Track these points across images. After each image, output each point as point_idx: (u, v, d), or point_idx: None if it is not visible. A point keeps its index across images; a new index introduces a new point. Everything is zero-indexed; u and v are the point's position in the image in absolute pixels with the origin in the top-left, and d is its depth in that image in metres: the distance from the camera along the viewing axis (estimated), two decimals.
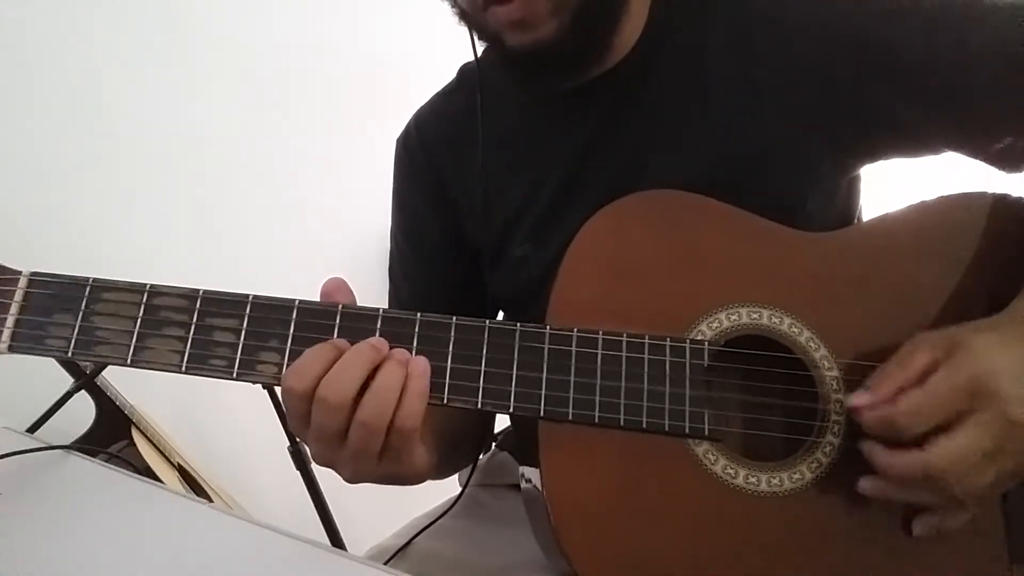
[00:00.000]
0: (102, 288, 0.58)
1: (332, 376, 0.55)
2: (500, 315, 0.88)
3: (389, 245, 0.91)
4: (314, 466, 1.46)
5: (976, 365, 0.54)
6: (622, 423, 0.59)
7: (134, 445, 1.48)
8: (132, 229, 1.68)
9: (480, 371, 0.58)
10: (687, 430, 0.60)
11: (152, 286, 0.58)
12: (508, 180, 0.79)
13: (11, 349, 0.57)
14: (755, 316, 0.63)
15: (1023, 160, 0.68)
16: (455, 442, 0.79)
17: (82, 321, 0.57)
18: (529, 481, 0.82)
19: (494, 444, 1.03)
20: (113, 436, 1.47)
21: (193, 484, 1.64)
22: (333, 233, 1.91)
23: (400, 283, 0.90)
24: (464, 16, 0.72)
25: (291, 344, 0.57)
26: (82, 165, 1.65)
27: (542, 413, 0.59)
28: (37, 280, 0.58)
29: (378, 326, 0.58)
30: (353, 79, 2.03)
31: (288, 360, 0.57)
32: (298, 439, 1.43)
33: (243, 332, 0.58)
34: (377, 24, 2.11)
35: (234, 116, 1.88)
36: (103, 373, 1.35)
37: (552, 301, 0.63)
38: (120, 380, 1.46)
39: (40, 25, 1.59)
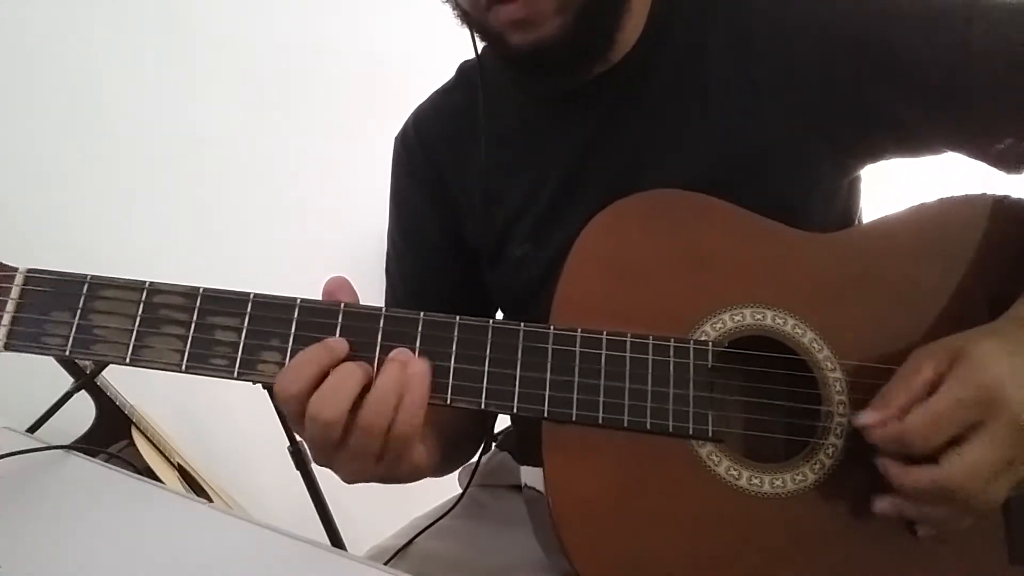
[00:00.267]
0: (100, 286, 0.57)
1: (325, 391, 0.54)
2: (499, 315, 0.88)
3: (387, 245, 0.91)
4: (314, 466, 1.46)
5: (981, 375, 0.54)
6: (626, 424, 0.59)
7: (134, 445, 1.48)
8: (132, 229, 1.68)
9: (483, 371, 0.58)
10: (691, 431, 0.60)
11: (151, 284, 0.57)
12: (508, 179, 0.79)
13: (7, 347, 0.56)
14: (759, 317, 0.63)
15: (1022, 161, 0.68)
16: (455, 440, 0.79)
17: (80, 319, 0.56)
18: (530, 487, 0.82)
19: (494, 444, 1.03)
20: (113, 436, 1.47)
21: (193, 484, 1.64)
22: (333, 233, 1.91)
23: (396, 282, 0.89)
24: (466, 17, 0.71)
25: (292, 343, 0.57)
26: (82, 165, 1.65)
27: (546, 414, 0.59)
28: (34, 277, 0.57)
29: (380, 325, 0.58)
30: (353, 79, 2.03)
31: (290, 359, 0.57)
32: (298, 438, 1.44)
33: (244, 331, 0.57)
34: (377, 24, 2.11)
35: (234, 116, 1.88)
36: (103, 373, 1.35)
37: (555, 301, 0.63)
38: (120, 380, 1.46)
39: (40, 25, 1.59)
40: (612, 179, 0.74)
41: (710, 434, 0.60)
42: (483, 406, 0.58)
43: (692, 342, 0.61)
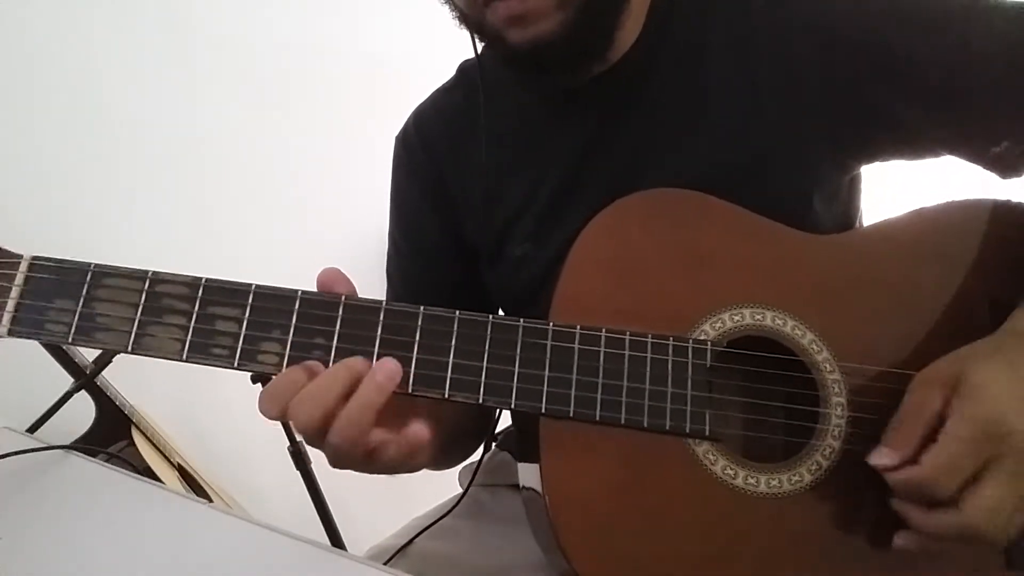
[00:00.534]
0: (104, 274, 0.57)
1: (300, 398, 0.54)
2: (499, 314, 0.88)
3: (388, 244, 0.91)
4: (314, 466, 1.46)
5: (986, 408, 0.53)
6: (623, 421, 0.59)
7: (134, 445, 1.48)
8: (131, 229, 1.68)
9: (482, 367, 0.58)
10: (688, 430, 0.60)
11: (154, 273, 0.57)
12: (508, 179, 0.79)
13: (11, 333, 0.56)
14: (758, 317, 0.63)
15: (1020, 165, 0.68)
16: (454, 435, 0.79)
17: (83, 307, 0.56)
18: (528, 487, 0.82)
19: (494, 444, 1.03)
20: (113, 436, 1.47)
21: (193, 484, 1.64)
22: (333, 233, 1.91)
23: (396, 282, 0.89)
24: (463, 18, 0.71)
25: (293, 335, 0.57)
26: (82, 165, 1.65)
27: (543, 410, 0.59)
28: (38, 264, 0.57)
29: (380, 319, 0.58)
30: (353, 79, 2.03)
31: (290, 351, 0.57)
32: (298, 438, 1.44)
33: (245, 322, 0.57)
34: (377, 24, 2.11)
35: (234, 116, 1.88)
36: (103, 373, 1.35)
37: (555, 298, 0.63)
38: (120, 380, 1.46)
39: (40, 25, 1.59)
40: (612, 179, 0.74)
41: (707, 433, 0.60)
42: (481, 401, 0.58)
43: (691, 341, 0.61)
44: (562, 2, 0.65)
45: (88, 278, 0.57)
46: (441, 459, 0.84)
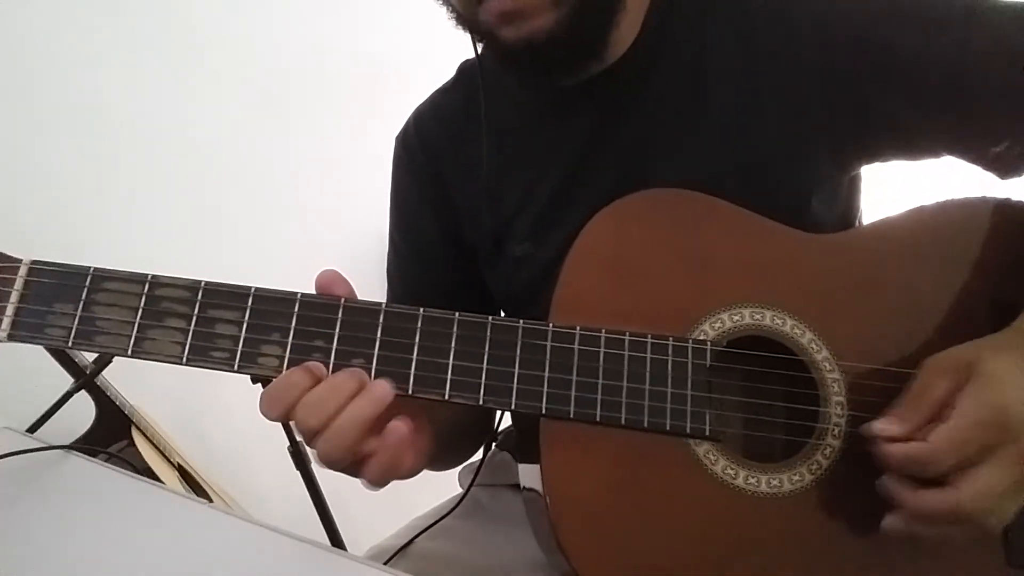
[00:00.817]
0: (103, 278, 0.57)
1: (305, 403, 0.55)
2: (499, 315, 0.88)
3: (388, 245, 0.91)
4: (314, 466, 1.46)
5: (998, 396, 0.53)
6: (623, 422, 0.59)
7: (134, 445, 1.48)
8: (131, 229, 1.68)
9: (482, 368, 0.58)
10: (688, 430, 0.60)
11: (154, 277, 0.58)
12: (508, 179, 0.79)
13: (11, 338, 0.56)
14: (758, 317, 0.63)
15: (1019, 165, 0.68)
16: (454, 436, 0.79)
17: (83, 311, 0.57)
18: (529, 488, 0.82)
19: (495, 444, 1.03)
20: (113, 436, 1.46)
21: (193, 484, 1.64)
22: (333, 233, 1.91)
23: (395, 283, 0.89)
24: (459, 18, 0.71)
25: (293, 338, 0.57)
26: (81, 165, 1.65)
27: (544, 411, 0.59)
28: (38, 269, 0.57)
29: (380, 321, 0.58)
30: (353, 79, 2.03)
31: (290, 353, 0.57)
32: (298, 438, 1.44)
33: (245, 325, 0.57)
34: (377, 24, 2.11)
35: (234, 117, 1.88)
36: (103, 373, 1.35)
37: (555, 299, 0.63)
38: (120, 380, 1.46)
39: (40, 26, 1.59)
40: (612, 179, 0.74)
41: (707, 433, 0.60)
42: (481, 402, 0.58)
43: (691, 341, 0.61)
44: (556, 1, 0.65)
45: (88, 282, 0.57)
46: (439, 460, 0.84)
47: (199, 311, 0.57)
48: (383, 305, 0.59)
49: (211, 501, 1.55)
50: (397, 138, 0.88)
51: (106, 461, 0.83)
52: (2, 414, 1.05)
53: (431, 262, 0.87)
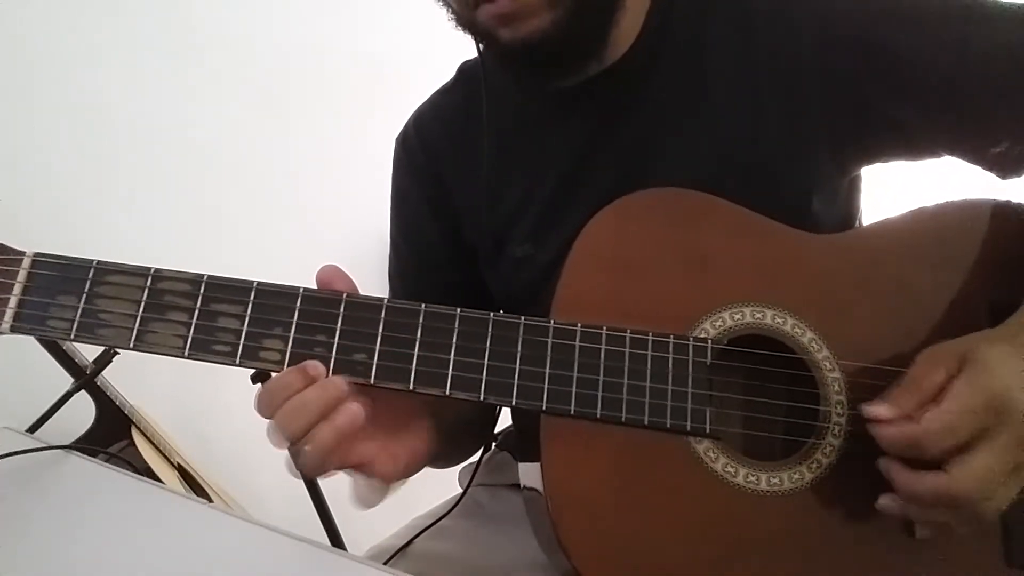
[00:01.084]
0: (106, 271, 0.58)
1: (283, 411, 0.56)
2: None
3: (388, 246, 0.91)
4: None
5: (992, 381, 0.54)
6: (624, 419, 0.59)
7: (134, 445, 1.47)
8: (131, 230, 1.68)
9: (483, 364, 0.58)
10: (688, 428, 0.60)
11: (156, 270, 0.58)
12: (508, 179, 0.79)
13: (13, 330, 0.57)
14: (758, 316, 0.63)
15: (1019, 165, 0.68)
16: (457, 433, 0.79)
17: (85, 303, 0.57)
18: (529, 486, 0.82)
19: (494, 444, 1.03)
20: (113, 436, 1.46)
21: (193, 484, 1.64)
22: (333, 233, 1.91)
23: (396, 284, 0.89)
24: (458, 19, 0.71)
25: (295, 332, 0.57)
26: (81, 166, 1.65)
27: (544, 408, 0.59)
28: (41, 261, 0.58)
29: (382, 316, 0.58)
30: (353, 79, 2.03)
31: (292, 348, 0.57)
32: None
33: (247, 319, 0.57)
34: (377, 24, 2.11)
35: (235, 116, 1.88)
36: (103, 373, 1.35)
37: (556, 296, 0.63)
38: (120, 380, 1.46)
39: (41, 25, 1.59)
40: (612, 179, 0.74)
41: (708, 431, 0.60)
42: (482, 398, 0.58)
43: (691, 339, 0.61)
44: (552, 1, 0.65)
45: (91, 275, 0.58)
46: (442, 457, 0.84)
47: (201, 304, 0.57)
48: (385, 300, 0.59)
49: (211, 501, 1.55)
50: (397, 139, 0.88)
51: (106, 461, 0.83)
52: (2, 414, 1.05)
53: (431, 263, 0.87)
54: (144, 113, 1.73)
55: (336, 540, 1.46)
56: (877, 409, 0.56)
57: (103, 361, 1.33)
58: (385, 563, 0.80)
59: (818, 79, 0.70)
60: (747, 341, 0.62)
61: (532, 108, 0.80)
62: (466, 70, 0.86)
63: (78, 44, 1.64)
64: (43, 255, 0.58)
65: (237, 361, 0.57)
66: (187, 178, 1.81)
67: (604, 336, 0.60)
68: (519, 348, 0.59)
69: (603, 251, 0.64)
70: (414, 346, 0.58)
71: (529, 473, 0.84)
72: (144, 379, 1.53)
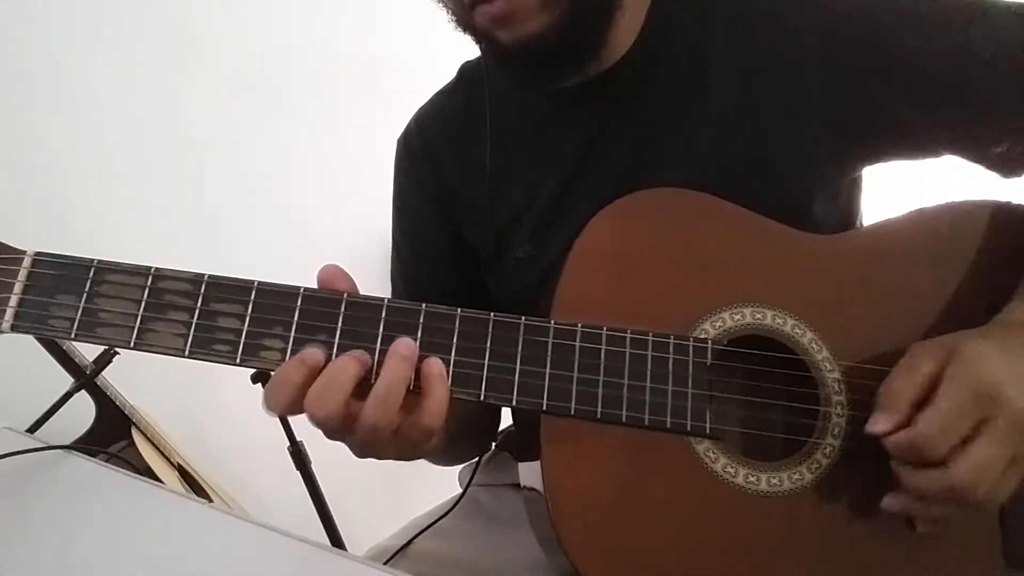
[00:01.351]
0: (107, 270, 0.58)
1: (314, 393, 0.55)
2: None
3: (390, 246, 0.91)
4: (314, 466, 1.46)
5: (978, 372, 0.54)
6: (624, 419, 0.59)
7: (134, 445, 1.47)
8: (131, 230, 1.68)
9: (483, 364, 0.58)
10: (688, 428, 0.60)
11: (157, 269, 0.58)
12: (509, 180, 0.79)
13: (14, 329, 0.57)
14: (758, 316, 0.63)
15: (1021, 164, 0.68)
16: (459, 434, 0.79)
17: (86, 303, 0.57)
18: (529, 486, 0.82)
19: (494, 444, 1.03)
20: (113, 436, 1.46)
21: (193, 484, 1.64)
22: (333, 233, 1.91)
23: (398, 285, 0.89)
24: (457, 20, 0.71)
25: (295, 331, 0.57)
26: (81, 166, 1.65)
27: (544, 407, 0.59)
28: (42, 260, 0.58)
29: (383, 316, 0.58)
30: (353, 79, 2.03)
31: (292, 347, 0.57)
32: (298, 438, 1.44)
33: (248, 318, 0.57)
34: (377, 24, 2.11)
35: (234, 116, 1.88)
36: (103, 373, 1.35)
37: (556, 296, 0.63)
38: (120, 380, 1.46)
39: (42, 25, 1.59)
40: (613, 180, 0.74)
41: (707, 431, 0.60)
42: (482, 398, 0.58)
43: (691, 340, 0.61)
44: (547, 3, 0.65)
45: (91, 274, 0.58)
46: (443, 453, 0.84)
47: (202, 304, 0.57)
48: (385, 300, 0.59)
49: (211, 501, 1.55)
50: (399, 140, 0.88)
51: (106, 461, 0.83)
52: (2, 414, 1.06)
53: (433, 263, 0.87)
54: (144, 113, 1.73)
55: (336, 540, 1.47)
56: (877, 424, 0.56)
57: (103, 361, 1.33)
58: (385, 563, 0.80)
59: (819, 79, 0.70)
60: (747, 341, 0.62)
61: (533, 108, 0.80)
62: (467, 70, 0.86)
63: (78, 44, 1.64)
64: (44, 254, 0.58)
65: (238, 360, 0.57)
66: (187, 178, 1.81)
67: (604, 336, 0.60)
68: (519, 348, 0.59)
69: (603, 251, 0.64)
70: (416, 349, 0.58)
71: (529, 473, 0.84)
72: (144, 379, 1.53)
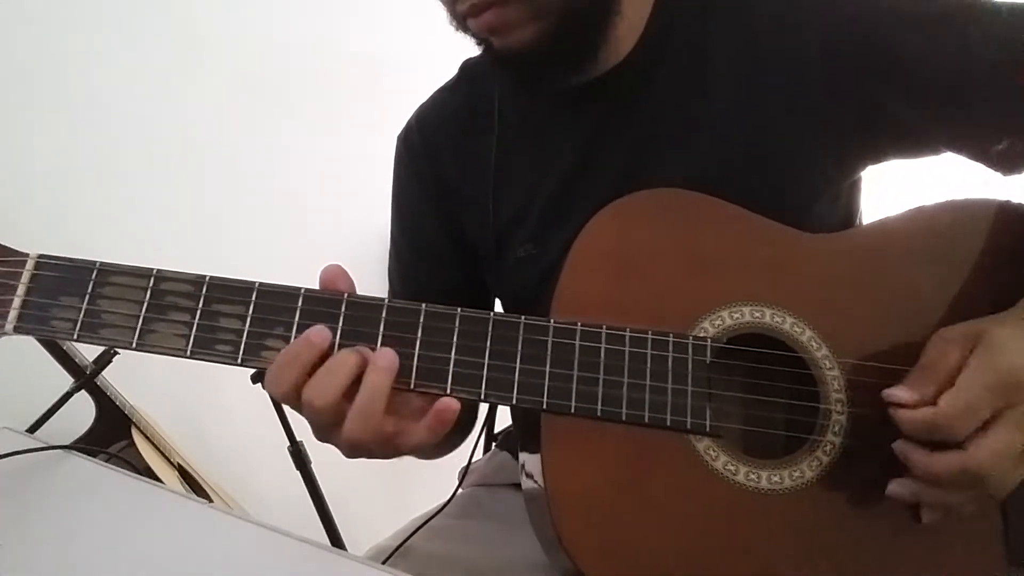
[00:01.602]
0: (109, 272, 0.58)
1: (316, 381, 0.56)
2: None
3: (388, 245, 0.91)
4: (314, 466, 1.46)
5: (1005, 359, 0.55)
6: (624, 417, 0.59)
7: (134, 445, 1.47)
8: (131, 231, 1.68)
9: (484, 363, 0.59)
10: (688, 425, 0.60)
11: (159, 271, 0.58)
12: (510, 179, 0.79)
13: (17, 330, 0.57)
14: (758, 315, 0.63)
15: (1021, 162, 0.68)
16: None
17: (88, 304, 0.57)
18: (530, 476, 0.82)
19: (494, 444, 1.03)
20: (113, 436, 1.46)
21: (193, 484, 1.64)
22: (333, 233, 1.92)
23: (396, 284, 0.89)
24: (456, 22, 0.72)
25: (296, 332, 0.58)
26: (82, 166, 1.65)
27: (545, 406, 0.59)
28: (45, 262, 0.58)
29: (383, 316, 0.59)
30: (353, 79, 2.03)
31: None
32: (298, 438, 1.44)
33: (249, 319, 0.58)
34: (377, 24, 2.11)
35: (235, 116, 1.88)
36: (103, 373, 1.35)
37: (556, 295, 0.63)
38: (120, 380, 1.46)
39: (43, 25, 1.59)
40: (614, 180, 0.74)
41: (708, 429, 0.60)
42: (483, 397, 0.58)
43: (691, 338, 0.61)
44: (537, 12, 0.65)
45: (94, 276, 0.58)
46: (432, 450, 0.84)
47: (203, 305, 0.58)
48: (386, 300, 0.59)
49: (211, 501, 1.55)
50: (399, 137, 0.88)
51: (106, 461, 0.83)
52: (2, 414, 1.05)
53: (432, 262, 0.87)
54: (145, 113, 1.73)
55: (336, 540, 1.47)
56: (897, 392, 0.57)
57: (103, 361, 1.33)
58: (384, 563, 0.80)
59: (819, 78, 0.70)
60: (746, 340, 0.62)
61: (535, 108, 0.80)
62: (468, 68, 0.86)
63: (78, 44, 1.64)
64: (46, 256, 0.58)
65: (239, 361, 0.57)
66: (187, 178, 1.82)
67: (604, 335, 0.60)
68: (519, 347, 0.59)
69: (603, 250, 0.64)
70: (415, 345, 0.58)
71: (531, 463, 0.84)
72: (144, 379, 1.53)
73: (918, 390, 0.56)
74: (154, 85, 1.76)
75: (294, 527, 0.66)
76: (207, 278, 0.58)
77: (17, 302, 0.57)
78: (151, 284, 0.58)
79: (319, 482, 1.47)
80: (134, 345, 0.57)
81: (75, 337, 0.57)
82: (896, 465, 0.58)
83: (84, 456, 0.81)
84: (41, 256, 0.58)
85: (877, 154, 0.74)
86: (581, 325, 0.60)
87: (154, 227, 1.71)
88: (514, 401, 0.59)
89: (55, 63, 1.61)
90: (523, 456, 0.84)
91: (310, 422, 0.58)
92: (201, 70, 1.84)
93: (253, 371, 1.39)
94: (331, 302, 0.58)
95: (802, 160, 0.72)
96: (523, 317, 0.60)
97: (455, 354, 0.59)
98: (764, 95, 0.71)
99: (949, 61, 0.66)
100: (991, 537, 0.60)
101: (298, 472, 1.45)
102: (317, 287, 0.60)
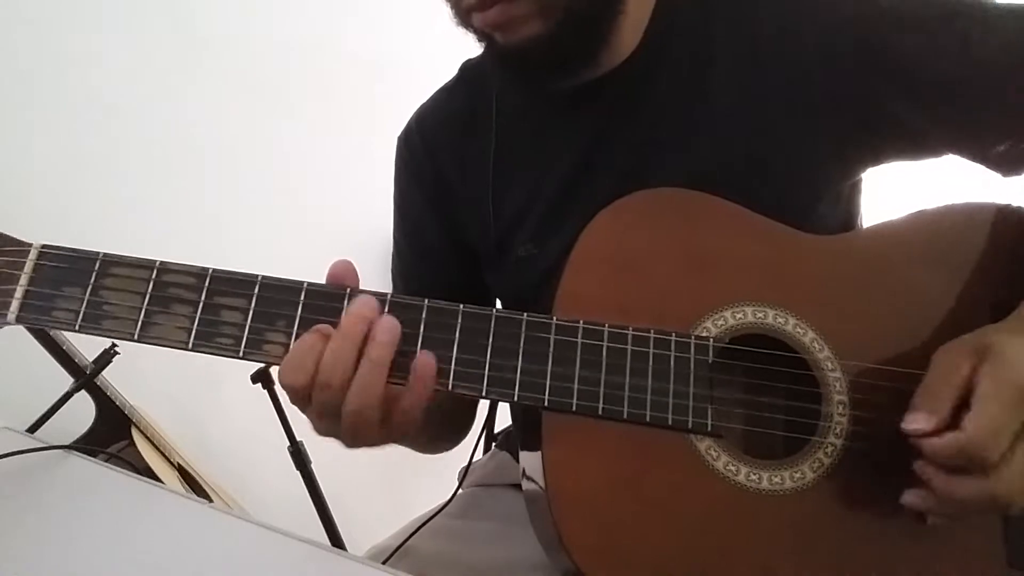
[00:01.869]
0: (112, 263, 0.58)
1: (328, 360, 0.55)
2: None
3: (391, 245, 0.91)
4: (314, 466, 1.46)
5: (1016, 374, 0.53)
6: (625, 416, 0.59)
7: (134, 445, 1.48)
8: (132, 231, 1.68)
9: (486, 360, 0.58)
10: (690, 425, 0.60)
11: (162, 263, 0.58)
12: (511, 180, 0.79)
13: (19, 320, 0.57)
14: (760, 315, 0.63)
15: (1021, 164, 0.68)
16: (440, 421, 0.79)
17: (91, 295, 0.57)
18: (531, 478, 0.82)
19: (494, 444, 1.03)
20: (113, 436, 1.47)
21: (193, 484, 1.64)
22: (335, 232, 1.92)
23: (398, 284, 0.89)
24: (459, 19, 0.72)
25: (298, 326, 0.57)
26: (82, 165, 1.65)
27: (546, 403, 0.59)
28: (47, 253, 0.58)
29: (385, 311, 0.58)
30: (353, 79, 2.03)
31: (295, 341, 0.57)
32: (298, 438, 1.44)
33: (251, 312, 0.58)
34: (377, 24, 2.11)
35: (236, 115, 1.88)
36: (103, 373, 1.35)
37: (558, 294, 0.63)
38: (120, 380, 1.46)
39: (44, 25, 1.59)
40: (615, 180, 0.74)
41: (709, 429, 0.60)
42: (484, 394, 0.58)
43: (693, 337, 0.61)
44: (543, 9, 0.65)
45: (96, 267, 0.58)
46: (427, 439, 0.85)
47: (206, 297, 0.58)
48: (388, 295, 0.59)
49: (211, 501, 1.55)
50: (399, 138, 0.88)
51: (106, 461, 0.83)
52: (2, 414, 1.05)
53: (433, 262, 0.87)
54: (145, 113, 1.74)
55: (336, 540, 1.47)
56: (916, 422, 0.55)
57: (103, 361, 1.33)
58: (384, 563, 0.80)
59: (820, 79, 0.70)
60: (749, 341, 0.62)
61: (536, 109, 0.80)
62: (468, 69, 0.86)
63: (78, 44, 1.64)
64: (50, 247, 0.58)
65: (241, 353, 0.57)
66: (188, 178, 1.82)
67: (606, 333, 0.60)
68: (521, 344, 0.59)
69: (604, 250, 0.64)
70: (416, 341, 0.58)
71: (530, 462, 0.84)
72: (144, 379, 1.53)
73: (935, 413, 0.54)
74: (154, 85, 1.76)
75: (294, 527, 0.66)
76: (210, 270, 0.58)
77: (19, 292, 0.57)
78: (154, 276, 0.58)
79: (319, 482, 1.47)
80: (136, 337, 0.57)
81: (77, 328, 0.57)
82: (898, 467, 0.57)
83: (84, 456, 0.81)
84: (44, 246, 0.58)
85: (878, 155, 0.74)
86: (583, 323, 0.60)
87: (154, 227, 1.71)
88: (515, 398, 0.59)
89: (55, 63, 1.61)
90: (523, 456, 0.84)
91: (316, 411, 0.57)
92: (201, 70, 1.84)
93: (253, 371, 1.40)
94: (333, 296, 0.58)
95: (803, 162, 0.72)
96: (525, 314, 0.60)
97: (457, 351, 0.58)
98: (765, 97, 0.71)
99: (950, 62, 0.66)
100: (991, 539, 0.60)
101: (298, 472, 1.45)
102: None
